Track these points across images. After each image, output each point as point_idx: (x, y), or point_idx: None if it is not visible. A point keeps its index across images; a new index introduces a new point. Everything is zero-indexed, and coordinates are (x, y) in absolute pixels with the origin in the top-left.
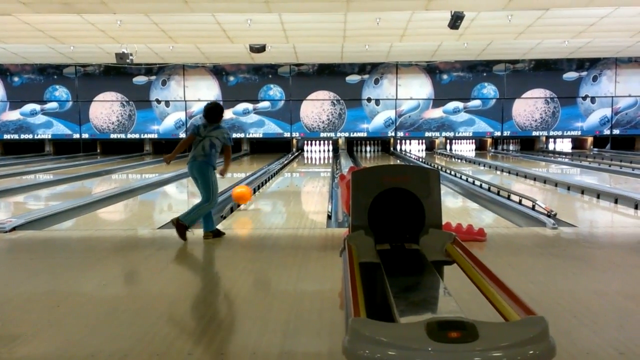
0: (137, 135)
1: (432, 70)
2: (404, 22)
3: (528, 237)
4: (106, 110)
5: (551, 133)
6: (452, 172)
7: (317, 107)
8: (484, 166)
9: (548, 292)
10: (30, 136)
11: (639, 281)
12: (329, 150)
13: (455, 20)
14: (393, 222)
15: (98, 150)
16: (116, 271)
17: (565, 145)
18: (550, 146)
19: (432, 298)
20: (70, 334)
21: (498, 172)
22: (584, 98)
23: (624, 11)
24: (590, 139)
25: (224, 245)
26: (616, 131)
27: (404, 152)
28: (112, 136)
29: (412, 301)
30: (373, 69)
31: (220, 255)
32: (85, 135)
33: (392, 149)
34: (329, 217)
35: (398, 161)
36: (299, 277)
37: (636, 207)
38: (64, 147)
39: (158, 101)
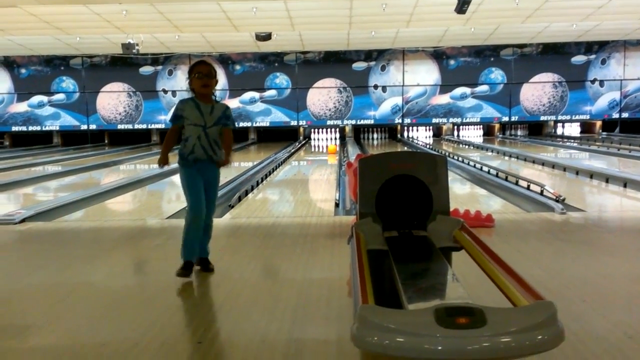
0: (144, 126)
1: (439, 56)
2: (410, 8)
3: (536, 223)
4: (113, 101)
5: (559, 117)
6: (460, 158)
7: (323, 95)
8: (492, 152)
9: (557, 277)
10: (38, 128)
11: None
12: (336, 138)
13: (462, 5)
14: (400, 209)
15: (106, 141)
16: (125, 261)
17: (573, 130)
18: (559, 131)
19: (440, 284)
20: (80, 323)
21: (506, 158)
22: (593, 82)
23: None
24: (599, 123)
25: (232, 234)
26: (625, 115)
27: (411, 139)
28: (120, 127)
29: (420, 287)
30: (379, 56)
31: (228, 244)
32: (93, 126)
33: (399, 135)
34: (337, 204)
35: (405, 148)
36: (307, 265)
37: None
38: (72, 139)
39: (165, 91)
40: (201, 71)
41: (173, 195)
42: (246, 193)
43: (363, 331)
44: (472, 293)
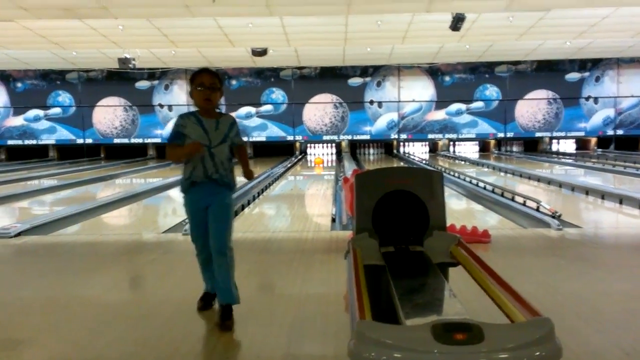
0: (140, 140)
1: (434, 72)
2: (405, 24)
3: (533, 239)
4: (109, 115)
5: (554, 134)
6: (456, 174)
7: (319, 110)
8: (488, 167)
9: (553, 293)
10: (34, 142)
11: None
12: (332, 153)
13: (457, 22)
14: (397, 225)
15: (102, 155)
16: (121, 275)
17: (568, 146)
18: (554, 147)
19: (437, 300)
20: (75, 337)
21: (502, 174)
22: (587, 99)
23: (625, 11)
24: (593, 140)
25: None
26: (620, 131)
27: (407, 155)
28: (116, 141)
29: (417, 303)
30: (375, 72)
31: None
32: (89, 140)
33: (395, 151)
34: (333, 220)
35: (401, 163)
36: (304, 280)
37: None
38: (67, 152)
39: (161, 106)
40: (203, 82)
41: (169, 209)
42: (242, 207)
43: (360, 347)
44: (469, 309)
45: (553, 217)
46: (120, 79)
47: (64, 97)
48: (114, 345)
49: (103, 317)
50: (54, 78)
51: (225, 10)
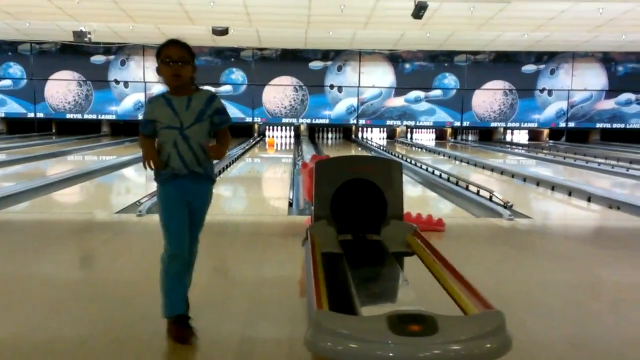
0: (94, 116)
1: (394, 59)
2: (368, 10)
3: (485, 228)
4: (62, 90)
5: (509, 124)
6: (412, 161)
7: (279, 93)
8: (444, 156)
9: (503, 282)
10: None
11: (590, 272)
12: (290, 136)
13: (419, 10)
14: (355, 213)
15: (53, 130)
16: (73, 256)
17: (522, 137)
18: (508, 137)
19: (393, 290)
20: (27, 318)
21: (457, 162)
22: (542, 91)
23: (583, 6)
24: (546, 131)
25: None
26: (571, 124)
27: (365, 140)
28: (68, 116)
29: (373, 292)
30: (336, 56)
31: None
32: (40, 115)
33: (353, 136)
34: (290, 204)
35: (359, 149)
36: (260, 265)
37: (589, 200)
38: (17, 126)
39: (117, 81)
40: (170, 56)
41: (122, 188)
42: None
43: (317, 336)
44: (424, 299)
45: (505, 207)
46: (75, 52)
47: (15, 69)
48: (68, 326)
49: (55, 297)
50: (5, 49)
51: None
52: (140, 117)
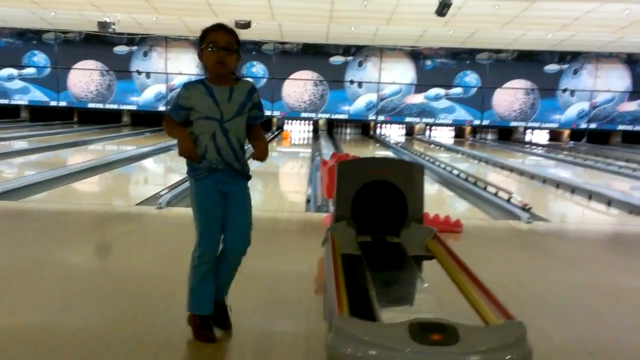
0: (115, 106)
1: (415, 55)
2: (391, 6)
3: (503, 230)
4: (85, 79)
5: (529, 124)
6: (431, 159)
7: (299, 87)
8: (462, 154)
9: (520, 286)
10: (7, 101)
11: (609, 278)
12: (309, 131)
13: (443, 8)
14: (375, 214)
15: (75, 119)
16: (91, 248)
17: (542, 137)
18: (528, 137)
19: (413, 295)
20: (44, 311)
21: (475, 161)
22: (564, 91)
23: (609, 7)
24: (567, 132)
25: None
26: (593, 125)
27: (383, 136)
28: (90, 105)
29: (393, 298)
30: (357, 51)
31: (194, 233)
32: (63, 103)
33: (371, 132)
34: (308, 200)
35: (377, 145)
36: (278, 261)
37: (609, 204)
38: (40, 114)
39: (139, 72)
40: (216, 41)
41: (142, 179)
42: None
43: (338, 342)
44: (444, 306)
45: (523, 209)
46: (99, 42)
47: (40, 58)
48: (84, 320)
49: (73, 290)
50: (30, 37)
51: None
52: (161, 108)
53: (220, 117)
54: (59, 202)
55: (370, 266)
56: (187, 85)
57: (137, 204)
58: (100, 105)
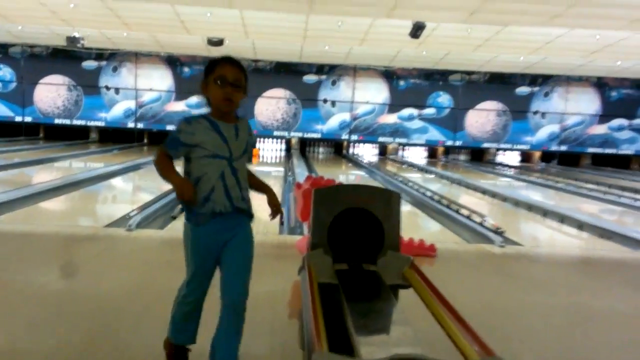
0: (83, 122)
1: (389, 75)
2: (365, 27)
3: (476, 254)
4: (52, 94)
5: (501, 145)
6: (404, 180)
7: (272, 105)
8: (434, 175)
9: (495, 312)
10: None
11: (580, 302)
12: (281, 150)
13: (417, 30)
14: (352, 242)
15: (41, 135)
16: (57, 272)
17: (513, 158)
18: (499, 158)
19: (392, 327)
20: (10, 333)
21: (448, 182)
22: (535, 113)
23: (580, 32)
24: (538, 154)
25: (175, 249)
26: (563, 147)
27: (356, 156)
28: (57, 121)
29: (372, 330)
30: (331, 70)
31: (172, 259)
32: (29, 119)
33: (344, 151)
34: (282, 223)
35: (350, 164)
36: (252, 283)
37: (580, 228)
38: (5, 130)
39: (107, 88)
40: (225, 76)
41: (111, 199)
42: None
43: None
44: (422, 338)
45: (496, 232)
46: (66, 56)
47: (5, 72)
48: (59, 343)
49: (38, 316)
50: None
51: None
52: (130, 124)
53: (229, 155)
54: (24, 223)
55: (347, 296)
56: (189, 120)
57: (106, 226)
58: (67, 121)
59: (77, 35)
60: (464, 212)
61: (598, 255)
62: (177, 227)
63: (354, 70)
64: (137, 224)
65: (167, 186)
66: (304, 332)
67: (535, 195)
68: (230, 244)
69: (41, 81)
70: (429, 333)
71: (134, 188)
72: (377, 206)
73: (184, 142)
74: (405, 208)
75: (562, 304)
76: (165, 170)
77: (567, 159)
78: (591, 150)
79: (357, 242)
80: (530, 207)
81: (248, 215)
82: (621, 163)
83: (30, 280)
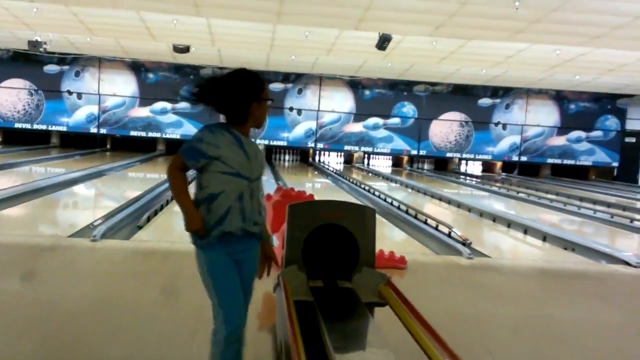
0: (44, 127)
1: (355, 85)
2: (332, 38)
3: (445, 266)
4: (12, 98)
5: (464, 155)
6: (369, 189)
7: None
8: (400, 184)
9: (464, 324)
10: None
11: (548, 314)
12: None
13: (383, 42)
14: (326, 258)
15: (0, 140)
16: (18, 286)
17: (476, 168)
18: (462, 168)
19: (369, 347)
20: None
21: (413, 192)
22: (496, 124)
23: (540, 47)
24: (499, 164)
25: (141, 260)
26: (524, 158)
27: (322, 164)
28: (17, 125)
29: (349, 349)
30: (297, 79)
31: (137, 270)
32: None
33: (310, 159)
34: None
35: (316, 172)
36: None
37: (544, 239)
38: None
39: (70, 92)
40: (268, 96)
41: (73, 208)
42: (155, 213)
43: None
44: (398, 355)
45: (464, 244)
46: (28, 60)
47: None
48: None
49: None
50: None
51: (151, 5)
52: (93, 129)
53: (249, 174)
54: None
55: (323, 314)
56: (212, 129)
57: (70, 236)
58: (28, 126)
59: (39, 39)
60: (432, 222)
61: (561, 267)
62: (144, 237)
63: (320, 79)
64: (102, 234)
65: (132, 194)
66: (278, 348)
67: (498, 206)
68: (241, 268)
69: (1, 85)
70: (406, 352)
71: (97, 195)
72: (351, 222)
73: (204, 152)
74: None
75: (529, 315)
76: (179, 191)
77: (528, 169)
78: (551, 161)
79: (331, 259)
80: (495, 219)
81: (259, 238)
82: (579, 174)
83: None
